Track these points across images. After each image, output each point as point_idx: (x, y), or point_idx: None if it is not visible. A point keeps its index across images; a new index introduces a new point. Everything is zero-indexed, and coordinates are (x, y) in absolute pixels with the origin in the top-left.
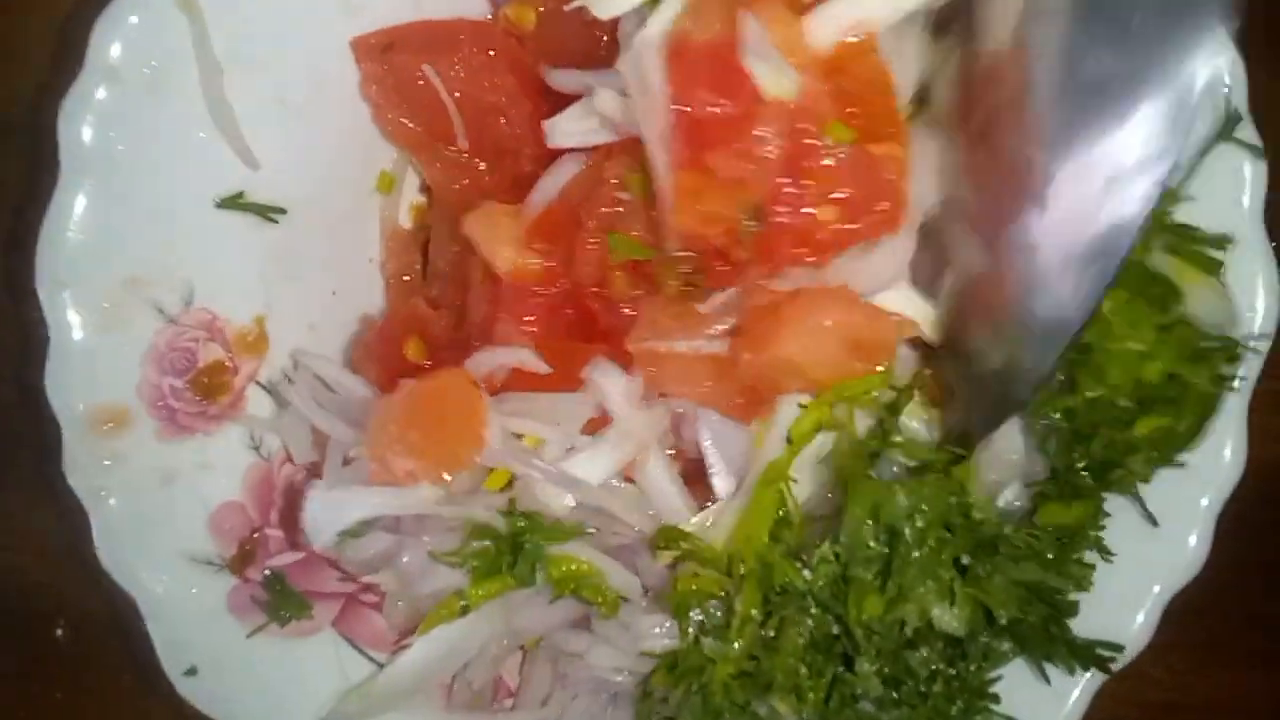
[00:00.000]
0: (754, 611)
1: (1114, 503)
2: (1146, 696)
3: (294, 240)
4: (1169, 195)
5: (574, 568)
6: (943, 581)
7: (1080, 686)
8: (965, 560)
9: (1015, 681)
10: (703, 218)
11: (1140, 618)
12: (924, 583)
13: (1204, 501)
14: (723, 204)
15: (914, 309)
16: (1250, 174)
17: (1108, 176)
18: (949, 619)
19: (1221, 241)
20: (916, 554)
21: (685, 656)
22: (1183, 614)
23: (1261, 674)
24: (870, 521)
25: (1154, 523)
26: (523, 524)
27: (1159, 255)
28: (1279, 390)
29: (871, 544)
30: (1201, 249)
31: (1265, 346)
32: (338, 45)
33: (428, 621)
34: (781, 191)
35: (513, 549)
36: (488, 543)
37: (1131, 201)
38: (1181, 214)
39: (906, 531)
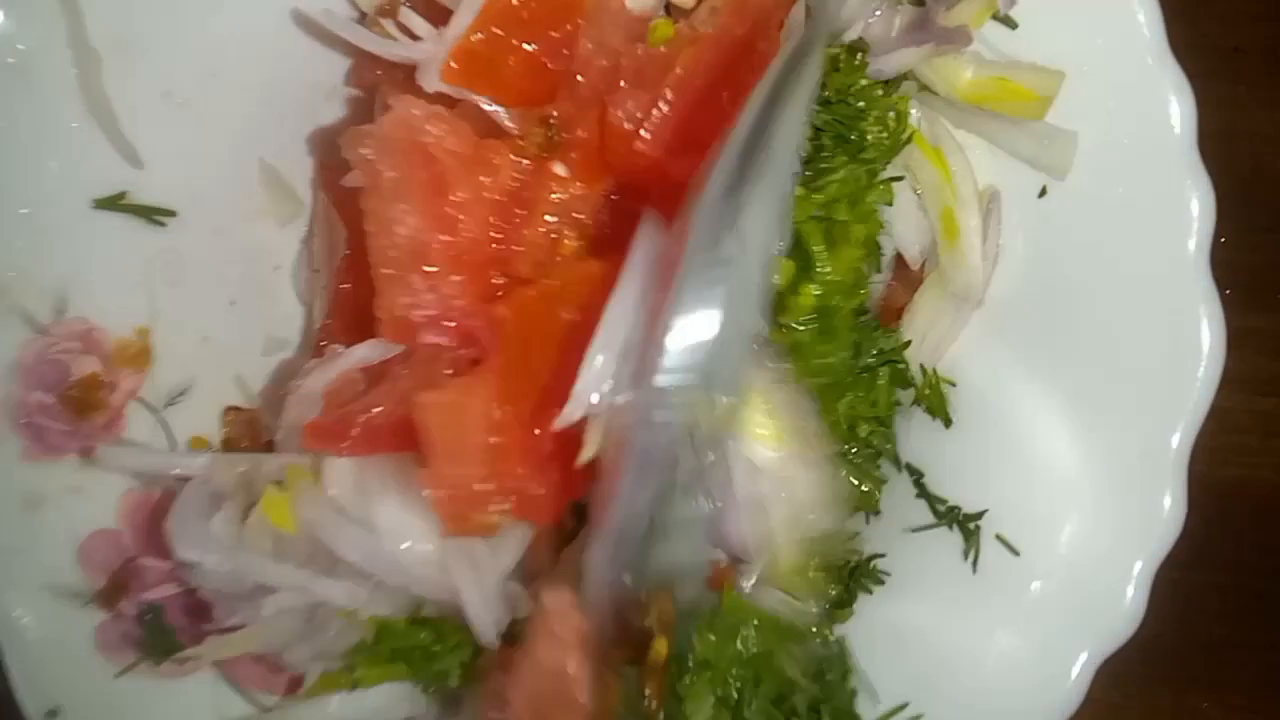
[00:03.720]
0: None
1: (1047, 561)
2: None
3: (184, 243)
4: None
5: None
6: None
7: None
8: None
9: None
10: None
11: (1070, 681)
12: None
13: (1139, 563)
14: None
15: None
16: (1197, 213)
17: None
18: None
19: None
20: None
21: None
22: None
23: None
24: None
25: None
26: (427, 638)
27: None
28: (1225, 445)
29: None
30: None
31: (1209, 394)
32: (229, 31)
33: (314, 688)
34: None
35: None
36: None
37: None
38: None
39: None
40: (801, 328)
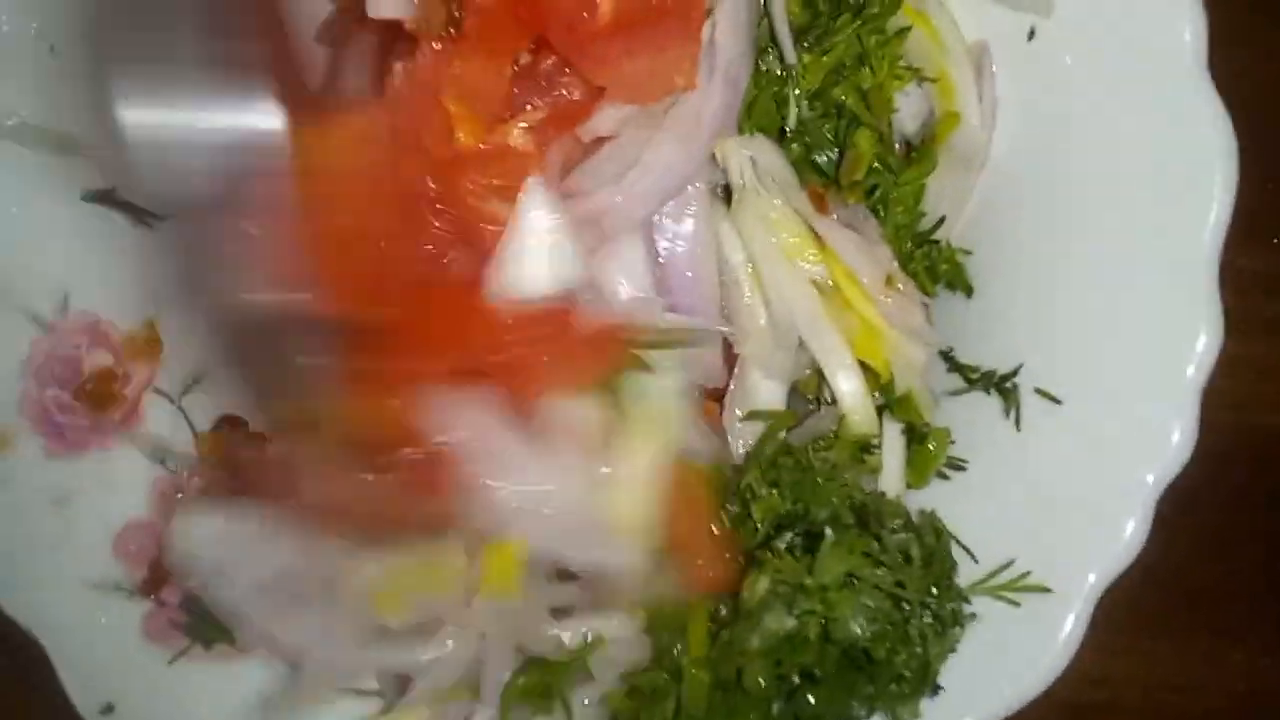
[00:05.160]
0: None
1: (1084, 401)
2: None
3: (182, 229)
4: None
5: None
6: None
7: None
8: None
9: None
10: None
11: (1131, 521)
12: None
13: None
14: None
15: None
16: (1190, 25)
17: None
18: None
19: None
20: None
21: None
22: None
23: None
24: None
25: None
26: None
27: None
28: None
29: None
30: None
31: (1229, 196)
32: None
33: None
34: None
35: None
36: None
37: None
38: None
39: None
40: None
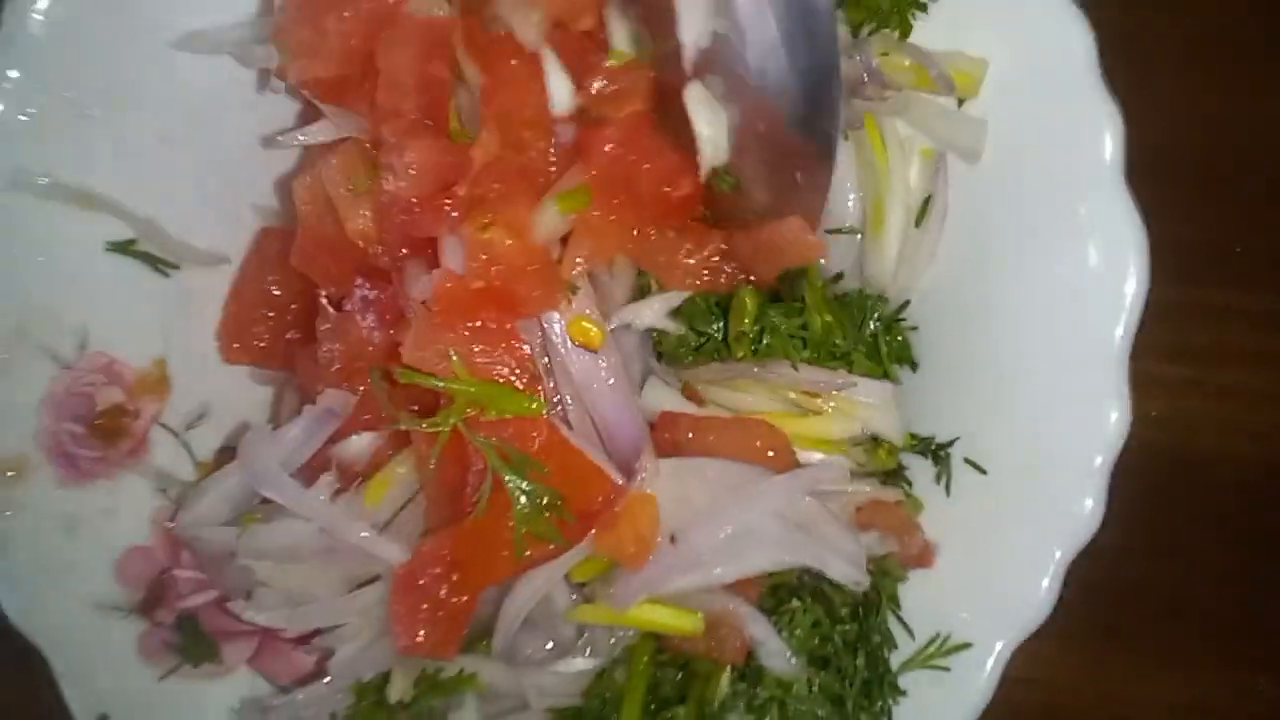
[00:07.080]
0: None
1: (1010, 473)
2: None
3: (192, 278)
4: None
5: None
6: None
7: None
8: None
9: None
10: None
11: (1045, 583)
12: None
13: (1096, 461)
14: None
15: None
16: (1109, 139)
17: None
18: None
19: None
20: None
21: None
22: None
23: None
24: None
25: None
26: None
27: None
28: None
29: None
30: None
31: (1139, 302)
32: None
33: None
34: None
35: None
36: None
37: None
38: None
39: None
40: None
